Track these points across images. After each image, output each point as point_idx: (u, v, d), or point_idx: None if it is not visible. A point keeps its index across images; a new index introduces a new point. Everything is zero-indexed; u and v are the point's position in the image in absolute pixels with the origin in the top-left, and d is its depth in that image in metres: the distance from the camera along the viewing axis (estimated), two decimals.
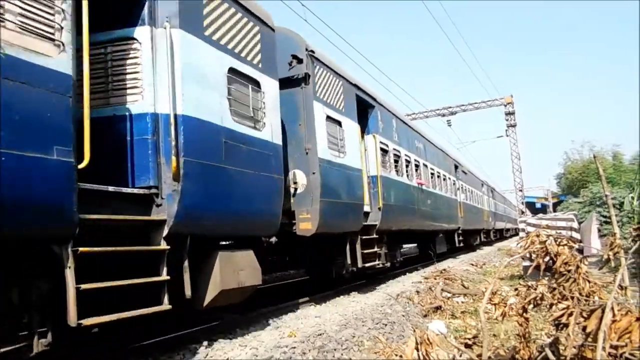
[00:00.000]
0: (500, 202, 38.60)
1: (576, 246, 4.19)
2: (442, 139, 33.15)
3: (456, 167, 21.17)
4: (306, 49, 7.66)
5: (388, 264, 10.87)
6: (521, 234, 11.63)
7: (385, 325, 6.36)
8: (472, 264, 16.11)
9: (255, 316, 6.99)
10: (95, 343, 4.93)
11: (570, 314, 3.00)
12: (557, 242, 3.67)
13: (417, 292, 9.16)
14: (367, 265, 9.23)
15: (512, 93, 35.78)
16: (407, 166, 12.68)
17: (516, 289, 3.86)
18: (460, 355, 4.53)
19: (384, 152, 10.84)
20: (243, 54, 5.85)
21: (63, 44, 3.56)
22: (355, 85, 9.76)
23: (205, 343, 5.35)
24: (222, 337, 5.73)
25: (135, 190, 4.54)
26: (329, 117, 8.24)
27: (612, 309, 2.69)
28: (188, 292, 4.76)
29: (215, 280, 5.18)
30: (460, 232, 19.59)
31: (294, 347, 4.90)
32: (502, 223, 36.66)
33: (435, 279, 10.89)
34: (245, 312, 7.13)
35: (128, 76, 4.73)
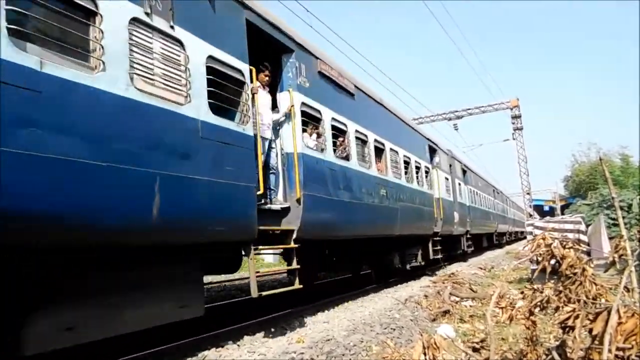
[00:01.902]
0: (487, 192, 27.22)
1: (583, 248, 4.19)
2: (449, 142, 31.00)
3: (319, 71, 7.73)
4: None
5: None
6: (528, 237, 11.57)
7: (394, 330, 6.36)
8: (481, 268, 16.05)
9: (263, 322, 7.01)
10: None
11: (577, 317, 3.00)
12: (563, 245, 3.67)
13: (426, 296, 9.15)
14: None
15: (518, 96, 35.20)
16: None
17: (522, 292, 3.86)
18: (468, 359, 4.53)
19: None
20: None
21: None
22: None
23: (213, 349, 5.38)
24: (230, 343, 5.76)
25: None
26: None
27: (618, 311, 2.69)
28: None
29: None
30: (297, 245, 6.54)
31: (302, 353, 4.92)
32: (492, 223, 27.11)
33: (443, 283, 10.87)
34: (253, 318, 7.15)
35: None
